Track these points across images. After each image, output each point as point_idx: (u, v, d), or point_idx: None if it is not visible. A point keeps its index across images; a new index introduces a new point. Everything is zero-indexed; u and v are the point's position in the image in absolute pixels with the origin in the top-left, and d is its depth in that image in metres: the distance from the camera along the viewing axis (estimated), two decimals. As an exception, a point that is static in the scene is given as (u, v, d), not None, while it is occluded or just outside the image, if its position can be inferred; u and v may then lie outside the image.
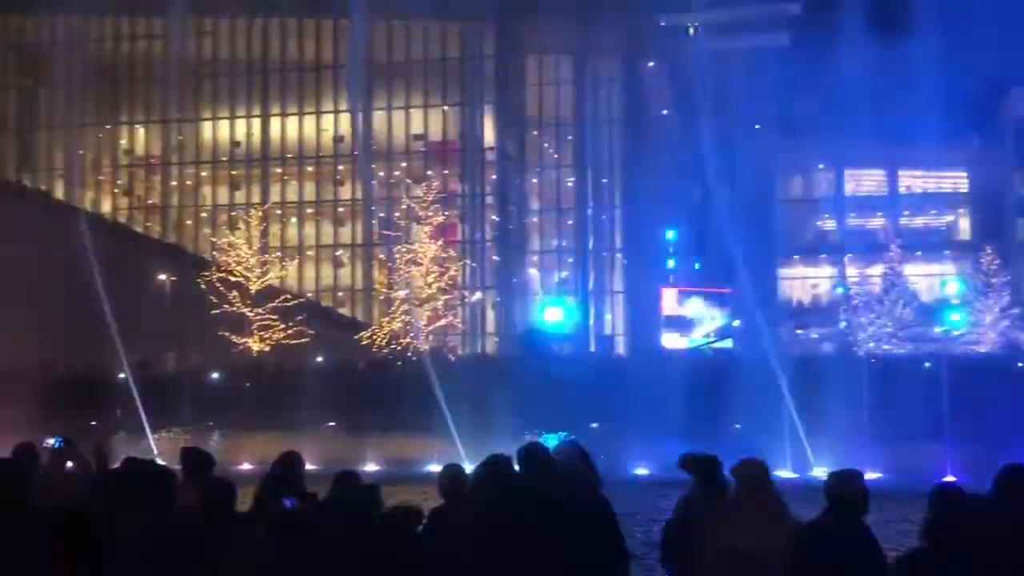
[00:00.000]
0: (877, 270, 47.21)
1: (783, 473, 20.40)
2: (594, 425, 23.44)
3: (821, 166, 59.40)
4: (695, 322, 46.48)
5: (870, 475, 5.83)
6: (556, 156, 58.25)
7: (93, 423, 25.12)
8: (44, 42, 58.79)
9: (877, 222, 57.36)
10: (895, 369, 28.84)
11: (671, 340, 45.67)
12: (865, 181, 60.09)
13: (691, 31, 56.99)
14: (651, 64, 53.45)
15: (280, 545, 5.03)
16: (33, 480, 6.28)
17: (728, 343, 43.92)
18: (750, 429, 22.45)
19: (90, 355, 28.50)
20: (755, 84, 52.11)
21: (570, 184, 58.02)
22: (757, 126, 55.42)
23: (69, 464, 8.08)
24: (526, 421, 22.21)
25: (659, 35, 54.48)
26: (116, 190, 59.46)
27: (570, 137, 57.63)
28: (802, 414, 20.37)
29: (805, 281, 58.97)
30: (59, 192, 56.34)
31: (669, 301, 47.10)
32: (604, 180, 57.92)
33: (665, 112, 51.49)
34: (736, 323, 45.10)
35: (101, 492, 5.97)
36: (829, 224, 60.49)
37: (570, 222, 57.95)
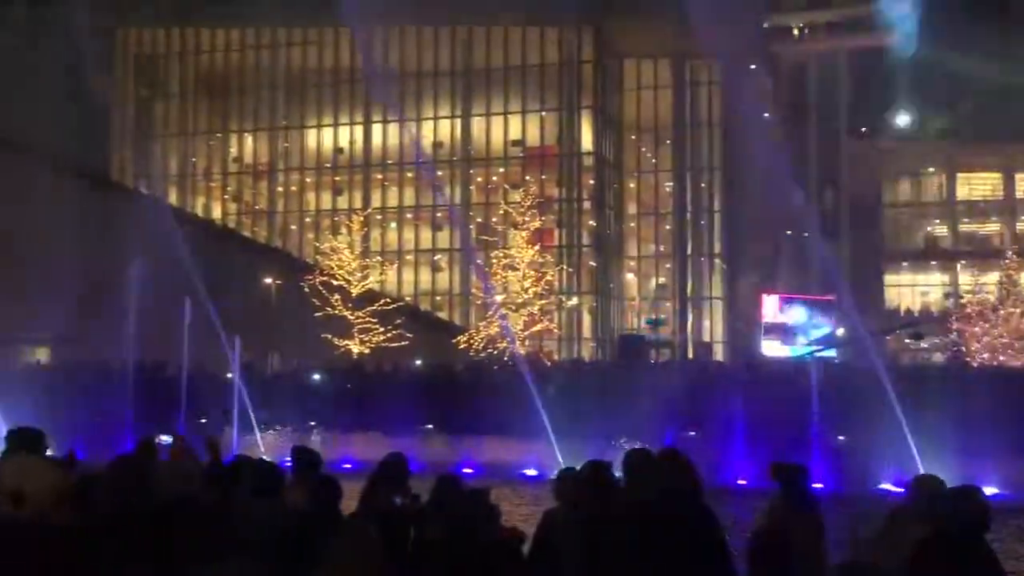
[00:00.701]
0: (992, 278, 45.35)
1: (888, 487, 19.73)
2: (692, 433, 23.08)
3: (931, 169, 57.39)
4: (797, 330, 45.30)
5: (987, 490, 5.59)
6: (654, 160, 57.79)
7: (203, 420, 26.00)
8: (159, 55, 61.52)
9: (992, 227, 55.11)
10: (1011, 381, 27.54)
11: (771, 348, 44.59)
12: (978, 185, 57.79)
13: (796, 32, 55.82)
14: (753, 67, 52.50)
15: (389, 544, 5.11)
16: (152, 474, 6.54)
17: (832, 352, 42.68)
18: (856, 442, 21.79)
19: (199, 355, 29.55)
20: (861, 86, 50.64)
21: (668, 189, 57.47)
22: (863, 129, 53.88)
23: (183, 459, 8.41)
24: (622, 428, 22.05)
25: (762, 36, 53.46)
26: (226, 196, 61.71)
27: (668, 141, 57.09)
28: (912, 427, 19.62)
29: (914, 289, 57.02)
30: (173, 198, 58.67)
31: (770, 308, 45.97)
32: (703, 184, 57.18)
33: (767, 115, 50.45)
34: (841, 332, 43.82)
35: (215, 486, 6.19)
36: (940, 230, 58.39)
37: (668, 227, 57.39)
